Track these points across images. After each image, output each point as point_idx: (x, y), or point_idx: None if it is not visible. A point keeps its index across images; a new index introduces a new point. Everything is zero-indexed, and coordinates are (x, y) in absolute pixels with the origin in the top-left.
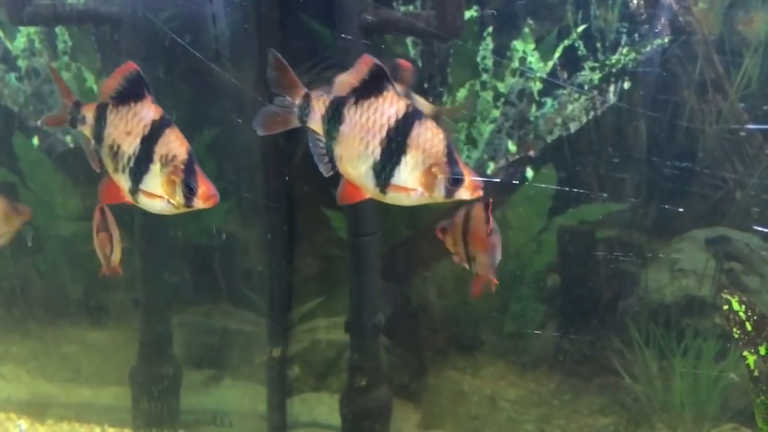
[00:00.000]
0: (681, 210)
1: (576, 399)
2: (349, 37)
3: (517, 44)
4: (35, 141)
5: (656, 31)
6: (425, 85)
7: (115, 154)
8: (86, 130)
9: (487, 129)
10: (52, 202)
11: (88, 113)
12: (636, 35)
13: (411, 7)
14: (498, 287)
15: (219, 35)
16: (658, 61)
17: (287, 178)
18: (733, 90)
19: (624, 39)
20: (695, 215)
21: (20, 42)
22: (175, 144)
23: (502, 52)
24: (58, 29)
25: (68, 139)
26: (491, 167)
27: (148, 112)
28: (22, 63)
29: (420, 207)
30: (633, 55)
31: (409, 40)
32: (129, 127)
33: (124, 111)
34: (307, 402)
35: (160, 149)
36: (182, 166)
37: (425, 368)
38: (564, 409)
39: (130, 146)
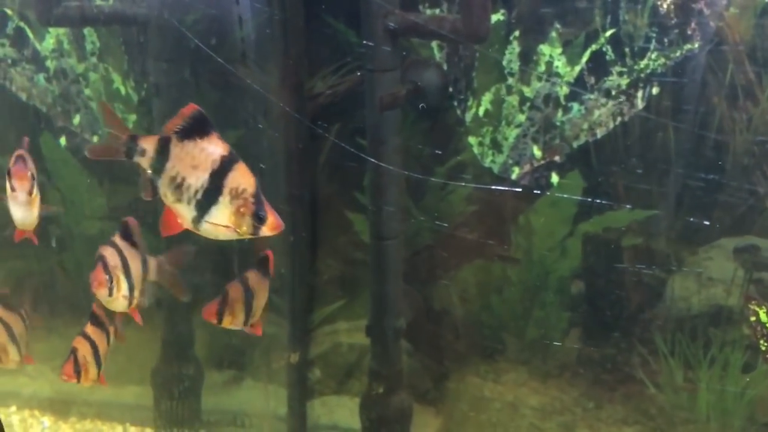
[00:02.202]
0: (709, 218)
1: (599, 408)
2: (373, 41)
3: (544, 48)
4: (62, 141)
5: (686, 36)
6: (450, 89)
7: (179, 186)
8: (144, 162)
9: (512, 134)
10: (78, 201)
11: (148, 146)
12: (665, 40)
13: (437, 11)
14: (521, 294)
15: (245, 37)
16: (688, 67)
17: (310, 181)
18: (764, 97)
19: (653, 44)
20: (724, 224)
21: (49, 43)
22: (244, 178)
23: (528, 56)
24: (86, 31)
25: (95, 139)
26: (516, 172)
27: (216, 148)
28: (50, 64)
29: (445, 212)
30: (662, 60)
31: (434, 44)
32: (196, 161)
33: (190, 146)
34: (327, 405)
35: (229, 183)
36: (252, 199)
37: (446, 374)
38: (587, 418)
39: (198, 180)
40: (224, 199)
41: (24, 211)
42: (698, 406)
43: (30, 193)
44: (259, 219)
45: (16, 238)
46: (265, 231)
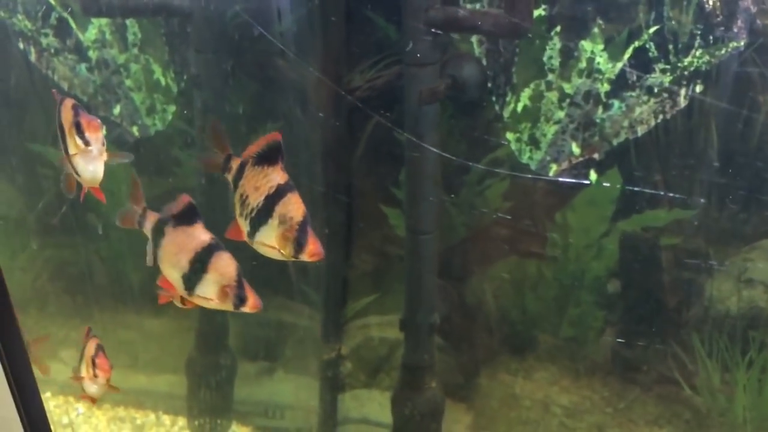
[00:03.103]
0: (752, 218)
1: (631, 408)
2: (413, 35)
3: (586, 44)
4: (103, 131)
5: (732, 33)
6: (489, 84)
7: (243, 202)
8: (229, 177)
9: (551, 130)
10: (118, 191)
11: (234, 165)
12: (710, 37)
13: (478, 5)
14: (557, 291)
15: (284, 31)
16: (734, 64)
17: (346, 175)
18: None
19: (698, 41)
20: (765, 225)
21: (91, 33)
22: (293, 207)
23: (569, 52)
24: (128, 22)
25: (134, 129)
26: (554, 169)
27: (276, 176)
28: (92, 54)
29: (481, 207)
30: (707, 57)
31: (474, 38)
32: (259, 184)
33: (258, 170)
34: (358, 398)
35: (279, 209)
36: (297, 227)
37: (478, 370)
38: (618, 418)
39: (255, 200)
40: (273, 222)
41: (97, 165)
42: (735, 409)
43: (103, 144)
44: (299, 245)
45: (82, 197)
46: (305, 257)
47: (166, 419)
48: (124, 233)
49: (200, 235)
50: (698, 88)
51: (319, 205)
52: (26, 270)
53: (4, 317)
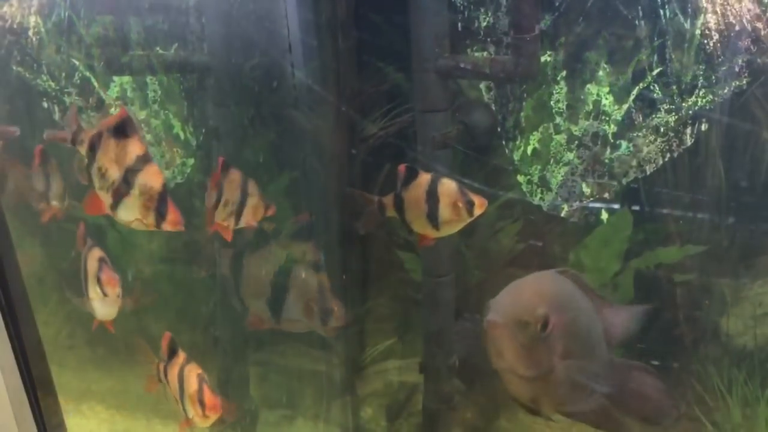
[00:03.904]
0: (763, 252)
1: None
2: (423, 82)
3: (591, 88)
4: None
5: (734, 73)
6: (499, 129)
7: (103, 175)
8: (82, 149)
9: (561, 171)
10: (138, 243)
11: (86, 137)
12: (713, 77)
13: (484, 53)
14: None
15: (297, 83)
16: (737, 102)
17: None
18: None
19: (701, 81)
20: None
21: (113, 91)
22: (153, 177)
23: (575, 95)
24: (148, 78)
25: None
26: (565, 209)
27: (134, 148)
28: (114, 111)
29: (492, 250)
30: (710, 97)
31: (483, 84)
32: (117, 156)
33: (115, 142)
34: None
35: (140, 179)
36: (157, 196)
37: (498, 411)
38: None
39: (115, 173)
40: (134, 192)
41: (110, 310)
42: None
43: (119, 296)
44: (160, 215)
45: (94, 328)
46: (167, 226)
47: None
48: (144, 284)
49: (134, 148)
50: (703, 127)
51: (336, 251)
52: (49, 324)
53: (41, 375)
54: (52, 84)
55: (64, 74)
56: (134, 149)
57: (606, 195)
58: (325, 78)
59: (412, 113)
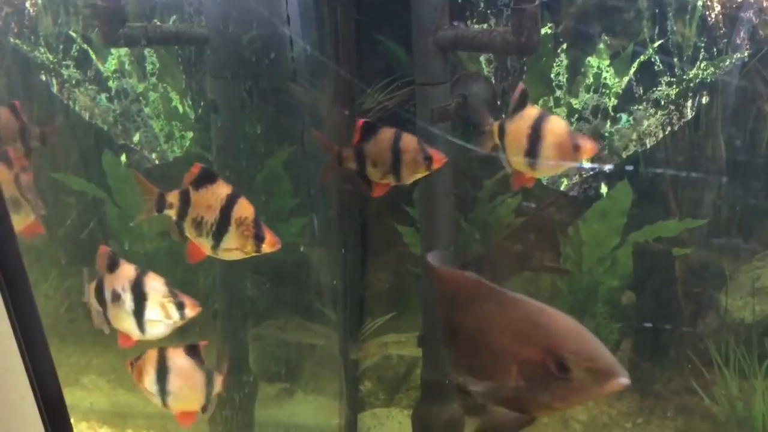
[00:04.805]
0: (762, 227)
1: (650, 420)
2: (423, 55)
3: (592, 60)
4: (123, 158)
5: (735, 44)
6: (498, 102)
7: (199, 224)
8: (172, 212)
9: None
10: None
11: (173, 198)
12: (714, 49)
13: (485, 26)
14: (572, 305)
15: (296, 56)
16: (738, 75)
17: (360, 195)
18: None
19: (702, 53)
20: None
21: (111, 64)
22: (245, 208)
23: (576, 68)
24: (146, 51)
25: (154, 156)
26: (565, 183)
27: (222, 189)
28: (112, 84)
29: (492, 224)
30: (711, 69)
31: (482, 57)
32: (209, 202)
33: (203, 192)
34: (377, 417)
35: (235, 214)
36: (252, 224)
37: None
38: (638, 431)
39: (212, 216)
40: (231, 228)
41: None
42: (754, 416)
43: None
44: (259, 239)
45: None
46: (266, 248)
47: None
48: (144, 259)
49: (222, 190)
50: (704, 100)
51: (335, 226)
52: (49, 297)
53: (36, 343)
54: (50, 56)
55: (61, 47)
56: (223, 191)
57: (606, 169)
58: (323, 51)
59: (412, 86)
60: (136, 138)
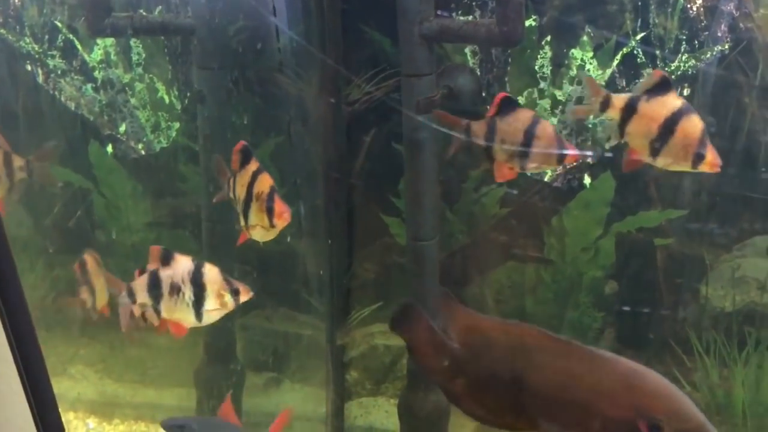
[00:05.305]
0: (741, 217)
1: None
2: (408, 46)
3: (576, 52)
4: (109, 149)
5: (716, 37)
6: (483, 94)
7: (240, 203)
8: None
9: None
10: (123, 207)
11: (230, 182)
12: (695, 42)
13: (470, 18)
14: (555, 294)
15: (282, 47)
16: (719, 67)
17: (347, 185)
18: None
19: (683, 46)
20: (756, 222)
21: (97, 54)
22: (262, 182)
23: (560, 60)
24: (132, 42)
25: (140, 146)
26: (549, 174)
27: (251, 168)
28: (98, 74)
29: (477, 215)
30: (693, 62)
31: (468, 49)
32: (244, 181)
33: (241, 173)
34: (364, 406)
35: (255, 189)
36: (266, 197)
37: None
38: None
39: (242, 195)
40: (253, 204)
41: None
42: (734, 404)
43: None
44: (270, 212)
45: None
46: (275, 220)
47: None
48: (131, 250)
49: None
50: (686, 92)
51: (321, 216)
52: (35, 288)
53: (24, 332)
54: (36, 47)
55: (47, 37)
56: (252, 168)
57: (589, 160)
58: (310, 41)
59: (398, 78)
60: (122, 128)
